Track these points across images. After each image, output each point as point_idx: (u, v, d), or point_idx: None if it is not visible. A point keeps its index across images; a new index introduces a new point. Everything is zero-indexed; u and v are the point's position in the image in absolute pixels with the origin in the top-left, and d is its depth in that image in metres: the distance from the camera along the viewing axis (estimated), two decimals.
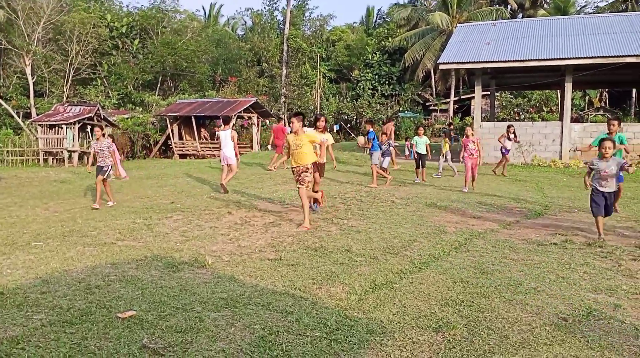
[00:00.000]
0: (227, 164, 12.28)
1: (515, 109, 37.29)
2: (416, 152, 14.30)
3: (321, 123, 9.64)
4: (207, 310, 4.29)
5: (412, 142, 15.24)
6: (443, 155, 16.28)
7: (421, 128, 15.03)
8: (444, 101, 40.71)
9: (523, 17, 41.05)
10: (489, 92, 26.22)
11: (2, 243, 6.87)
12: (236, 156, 12.33)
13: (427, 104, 42.44)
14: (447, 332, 3.89)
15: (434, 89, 42.87)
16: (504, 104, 37.66)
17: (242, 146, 30.21)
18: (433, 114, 41.91)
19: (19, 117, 31.86)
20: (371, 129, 13.83)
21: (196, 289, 4.84)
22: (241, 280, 5.20)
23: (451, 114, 37.08)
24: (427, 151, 14.45)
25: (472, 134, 12.48)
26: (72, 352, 3.45)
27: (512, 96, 38.33)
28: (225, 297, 4.61)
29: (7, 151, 25.26)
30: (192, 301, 4.48)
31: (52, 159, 26.05)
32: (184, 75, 43.28)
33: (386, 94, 41.72)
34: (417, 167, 14.35)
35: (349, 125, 40.18)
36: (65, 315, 4.12)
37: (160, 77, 42.89)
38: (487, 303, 4.48)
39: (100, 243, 6.78)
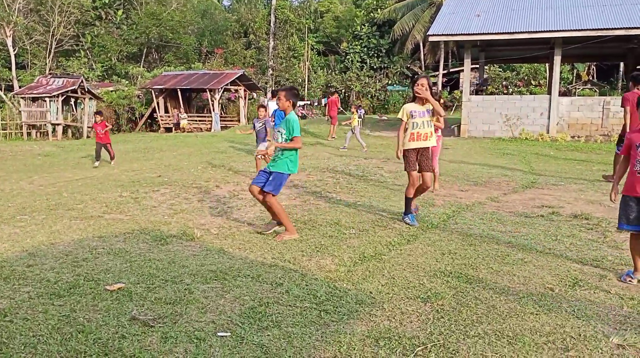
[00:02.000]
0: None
1: (504, 83, 37.29)
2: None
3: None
4: (196, 282, 4.28)
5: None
6: (352, 130, 16.26)
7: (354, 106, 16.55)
8: (432, 74, 40.54)
9: None
10: (478, 66, 26.13)
11: None
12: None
13: (416, 77, 42.28)
14: (436, 302, 3.92)
15: (422, 62, 42.62)
16: (493, 77, 37.62)
17: (228, 119, 29.98)
18: None
19: (1, 90, 31.21)
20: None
21: (185, 262, 4.82)
22: (230, 253, 5.19)
23: (440, 88, 36.96)
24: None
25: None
26: (60, 324, 3.43)
27: (500, 69, 38.25)
28: (215, 269, 4.60)
29: None
30: (181, 274, 4.46)
31: (36, 132, 25.66)
32: (169, 47, 42.52)
33: (375, 67, 41.42)
34: None
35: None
36: (52, 287, 4.09)
37: (145, 49, 42.09)
38: (475, 274, 4.52)
39: (86, 216, 6.71)
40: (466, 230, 6.04)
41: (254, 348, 3.18)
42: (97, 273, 4.46)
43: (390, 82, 40.28)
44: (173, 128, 27.96)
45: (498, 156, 14.22)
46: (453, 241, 5.59)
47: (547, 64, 30.82)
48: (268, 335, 3.37)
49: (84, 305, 3.75)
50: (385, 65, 41.61)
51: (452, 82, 40.76)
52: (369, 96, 38.41)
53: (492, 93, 33.62)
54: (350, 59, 41.77)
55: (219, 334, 3.36)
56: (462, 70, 25.89)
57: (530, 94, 32.76)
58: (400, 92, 38.35)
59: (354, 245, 5.42)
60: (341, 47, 44.40)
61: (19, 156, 15.48)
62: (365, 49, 41.81)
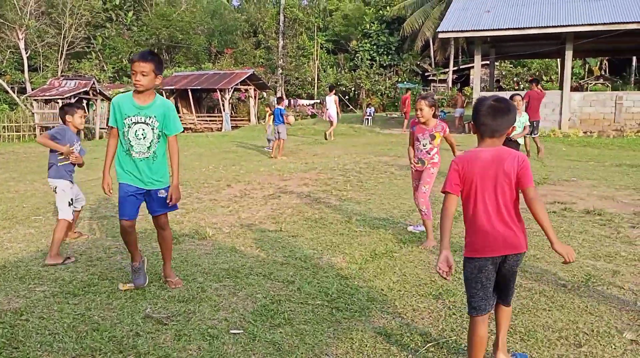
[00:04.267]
0: (330, 121, 17.12)
1: (515, 79, 37.02)
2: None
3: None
4: (209, 280, 4.32)
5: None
6: (268, 128, 16.03)
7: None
8: (442, 71, 40.35)
9: None
10: (488, 62, 25.97)
11: (2, 218, 6.87)
12: (338, 114, 17.62)
13: (426, 74, 42.07)
14: (448, 299, 3.92)
15: (432, 59, 42.43)
16: (504, 73, 37.37)
17: (239, 119, 30.08)
18: (432, 84, 41.59)
19: (14, 92, 31.58)
20: (278, 106, 14.22)
21: (197, 260, 4.86)
22: (242, 251, 5.23)
23: (450, 85, 36.82)
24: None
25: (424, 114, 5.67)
26: (75, 323, 3.48)
27: (511, 65, 38.00)
28: (227, 268, 4.63)
29: (3, 127, 25.12)
30: (194, 272, 4.50)
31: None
32: (179, 47, 42.75)
33: (384, 65, 41.31)
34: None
35: (347, 97, 39.91)
36: (67, 286, 4.15)
37: (156, 50, 42.34)
38: None
39: (100, 216, 6.78)
40: None
41: (267, 346, 3.21)
42: (111, 272, 4.52)
43: (400, 79, 40.18)
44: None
45: None
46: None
47: (558, 60, 30.54)
48: (280, 332, 3.39)
49: (98, 304, 3.80)
50: (395, 62, 41.49)
51: (463, 79, 40.54)
52: (379, 93, 38.35)
53: (501, 89, 33.42)
54: (360, 57, 41.71)
55: (232, 331, 3.39)
56: (473, 67, 25.76)
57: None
58: (410, 89, 38.18)
59: (365, 243, 5.43)
60: (350, 46, 44.32)
61: (32, 158, 15.65)
62: (374, 46, 41.72)
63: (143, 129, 3.91)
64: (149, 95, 3.91)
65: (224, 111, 27.98)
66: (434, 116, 5.55)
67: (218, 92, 28.10)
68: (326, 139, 17.70)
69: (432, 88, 40.71)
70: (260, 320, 3.57)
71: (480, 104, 2.78)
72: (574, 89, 22.80)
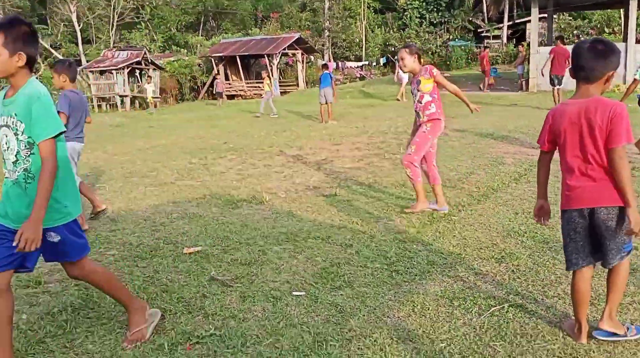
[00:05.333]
0: (400, 82, 17.49)
1: (575, 32, 35.07)
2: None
3: None
4: (269, 244, 4.40)
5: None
6: (265, 95, 16.91)
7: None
8: (496, 26, 38.68)
9: None
10: (546, 15, 24.63)
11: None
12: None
13: (479, 30, 40.44)
14: (511, 262, 3.84)
15: (485, 15, 40.69)
16: (562, 26, 35.44)
17: (287, 84, 30.03)
18: (485, 41, 40.01)
19: None
20: (325, 72, 14.16)
21: (257, 224, 4.95)
22: (299, 215, 5.28)
23: (505, 41, 35.31)
24: None
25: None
26: (145, 284, 3.63)
27: (571, 18, 35.96)
28: (285, 231, 4.70)
29: None
30: (254, 236, 4.59)
31: (106, 104, 26.74)
32: (225, 14, 42.76)
33: (435, 22, 39.91)
34: None
35: (396, 57, 39.02)
36: (135, 250, 4.32)
37: (203, 17, 42.56)
38: (552, 234, 4.37)
39: (160, 183, 7.00)
40: None
41: (329, 307, 3.25)
42: (175, 236, 4.67)
43: (451, 37, 38.79)
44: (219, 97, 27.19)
45: None
46: (526, 200, 5.42)
47: (621, 10, 28.61)
48: (341, 294, 3.43)
49: (165, 267, 3.95)
50: (446, 19, 39.99)
51: (518, 34, 38.75)
52: (429, 52, 37.24)
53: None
54: (409, 15, 40.42)
55: (294, 293, 3.45)
56: (529, 20, 24.52)
57: None
58: (462, 47, 36.86)
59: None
60: (398, 3, 42.99)
61: (91, 127, 16.22)
62: (424, 3, 40.27)
63: (6, 136, 2.56)
64: (17, 83, 2.54)
65: (272, 76, 27.97)
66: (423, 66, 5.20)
67: (266, 57, 28.05)
68: (398, 100, 17.83)
69: (485, 45, 39.18)
70: (321, 282, 3.62)
71: (579, 46, 2.67)
72: (639, 41, 21.37)
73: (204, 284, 3.61)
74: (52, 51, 32.83)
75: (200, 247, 4.33)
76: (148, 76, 25.33)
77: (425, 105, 5.07)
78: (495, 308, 3.17)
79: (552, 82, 13.36)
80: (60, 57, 32.32)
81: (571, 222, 2.71)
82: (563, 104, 2.74)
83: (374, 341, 2.84)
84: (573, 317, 2.90)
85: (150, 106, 23.32)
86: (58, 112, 3.64)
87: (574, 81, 2.71)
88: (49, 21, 39.00)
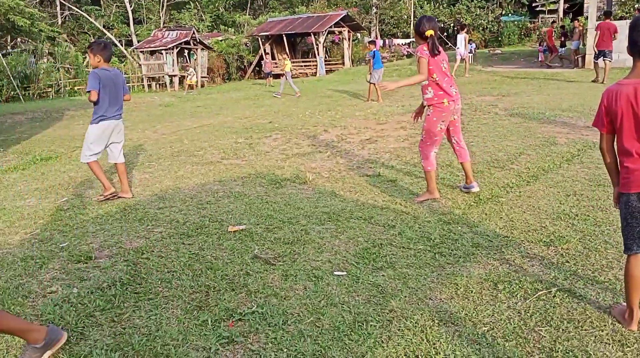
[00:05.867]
0: (462, 58, 17.07)
1: (636, 6, 33.06)
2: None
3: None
4: (311, 223, 4.41)
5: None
6: (285, 75, 17.11)
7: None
8: (552, 0, 36.94)
9: None
10: None
11: None
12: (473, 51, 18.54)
13: (534, 4, 38.75)
14: (560, 246, 3.71)
15: None
16: (623, 0, 33.48)
17: (332, 62, 29.82)
18: (540, 16, 38.34)
19: (122, 45, 33.46)
20: (373, 49, 13.80)
21: (299, 204, 4.97)
22: (342, 195, 5.27)
23: (561, 15, 33.72)
24: None
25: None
26: (191, 261, 3.72)
27: None
28: (328, 211, 4.70)
29: None
30: (297, 215, 4.62)
31: (155, 84, 27.36)
32: None
33: None
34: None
35: (445, 34, 38.02)
36: (181, 228, 4.43)
37: None
38: (605, 217, 4.20)
39: (206, 162, 7.12)
40: (593, 170, 5.58)
41: (370, 288, 3.24)
42: (220, 214, 4.75)
43: (504, 12, 37.35)
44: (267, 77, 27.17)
45: None
46: (579, 181, 5.20)
47: None
48: (383, 275, 3.41)
49: (210, 244, 4.03)
50: None
51: (576, 8, 36.91)
52: (480, 28, 36.05)
53: (622, 18, 30.12)
54: None
55: (336, 273, 3.45)
56: None
57: None
58: (516, 22, 35.48)
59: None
60: None
61: (142, 107, 16.68)
62: None
63: None
64: None
65: (318, 55, 27.82)
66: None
67: (312, 36, 27.89)
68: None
69: (540, 20, 37.61)
70: (362, 262, 3.61)
71: (636, 20, 2.60)
72: None
73: (247, 262, 3.67)
74: (105, 31, 33.77)
75: (244, 225, 4.39)
76: (185, 64, 25.72)
77: (422, 89, 4.86)
78: (541, 292, 3.08)
79: (596, 57, 13.61)
80: (113, 37, 33.26)
81: (629, 206, 2.60)
82: (618, 84, 2.59)
83: (415, 323, 2.82)
84: (623, 303, 2.78)
85: (186, 88, 23.44)
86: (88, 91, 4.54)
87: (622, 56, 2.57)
88: (102, 2, 40.10)
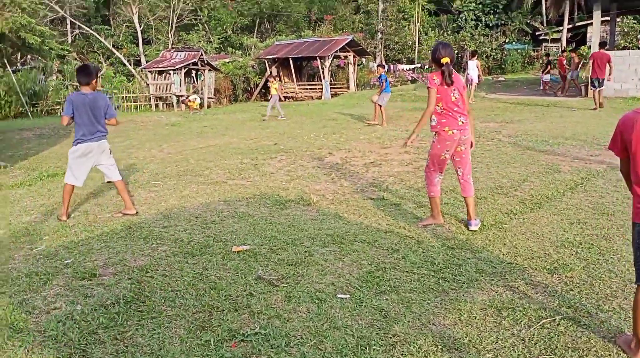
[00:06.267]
0: (470, 84, 17.15)
1: (639, 37, 33.45)
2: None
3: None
4: (315, 245, 4.43)
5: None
6: (271, 97, 17.41)
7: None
8: (555, 29, 37.39)
9: None
10: (608, 18, 23.61)
11: (125, 182, 7.47)
12: (479, 77, 18.47)
13: (537, 33, 39.22)
14: (564, 274, 3.71)
15: (544, 17, 39.41)
16: (626, 30, 33.87)
17: (338, 86, 30.08)
18: (543, 44, 38.76)
19: (130, 64, 33.86)
20: (383, 73, 14.18)
21: (304, 225, 4.99)
22: (346, 218, 5.28)
23: (564, 44, 34.07)
24: None
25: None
26: (195, 281, 3.73)
27: (635, 21, 34.31)
28: (332, 233, 4.71)
29: (122, 97, 27.10)
30: (300, 237, 4.63)
31: (162, 104, 27.59)
32: (280, 16, 43.32)
33: (490, 25, 38.98)
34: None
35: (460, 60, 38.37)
36: (186, 247, 4.45)
37: (258, 20, 43.27)
38: (608, 246, 4.20)
39: (212, 182, 7.16)
40: (597, 198, 5.60)
41: (373, 312, 3.24)
42: (225, 234, 4.77)
43: (507, 40, 37.82)
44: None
45: None
46: (582, 209, 5.22)
47: None
48: (386, 299, 3.41)
49: (214, 264, 4.04)
50: (503, 22, 39.04)
51: (579, 38, 37.34)
52: (484, 56, 36.42)
53: (625, 48, 30.41)
54: (464, 17, 39.69)
55: (339, 296, 3.46)
56: (591, 23, 23.55)
57: None
58: (519, 50, 35.87)
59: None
60: (454, 6, 42.30)
61: (149, 126, 16.81)
62: (480, 5, 39.46)
63: None
64: None
65: (323, 78, 28.09)
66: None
67: (318, 59, 28.20)
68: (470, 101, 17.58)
69: (543, 48, 38.01)
70: (366, 286, 3.61)
71: None
72: None
73: (251, 283, 3.67)
74: (114, 50, 34.19)
75: (248, 246, 4.41)
76: (193, 85, 25.74)
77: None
78: (546, 320, 3.07)
79: (592, 85, 14.45)
80: (122, 57, 33.70)
81: None
82: (635, 111, 2.60)
83: (419, 348, 2.82)
84: (629, 332, 2.78)
85: (189, 109, 23.35)
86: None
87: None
88: (111, 22, 40.73)
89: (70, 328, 3.08)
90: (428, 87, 4.68)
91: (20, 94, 22.03)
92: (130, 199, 5.72)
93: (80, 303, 3.42)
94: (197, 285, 3.66)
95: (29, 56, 29.48)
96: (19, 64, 29.61)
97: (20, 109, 22.29)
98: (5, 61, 22.42)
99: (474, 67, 18.05)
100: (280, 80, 29.74)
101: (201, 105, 24.06)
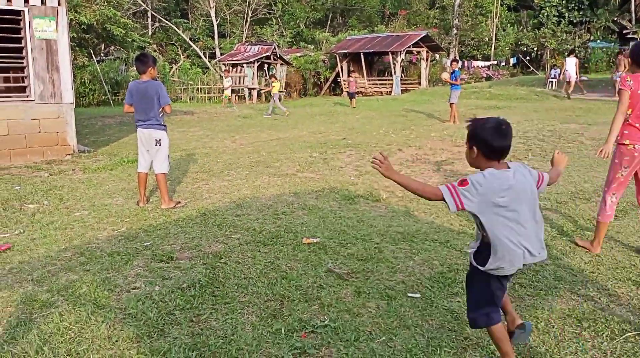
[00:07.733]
0: (569, 81, 18.00)
1: None
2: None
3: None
4: (385, 242, 4.39)
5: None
6: (272, 96, 17.72)
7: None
8: None
9: None
10: None
11: (200, 170, 7.73)
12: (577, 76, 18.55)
13: (624, 32, 36.87)
14: None
15: (633, 15, 36.97)
16: None
17: (408, 82, 29.67)
18: (630, 43, 36.39)
19: (206, 57, 34.97)
20: (456, 69, 13.66)
21: (373, 221, 4.96)
22: (416, 216, 5.21)
23: None
24: None
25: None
26: (266, 269, 3.80)
27: None
28: (402, 231, 4.66)
29: (197, 89, 28.04)
30: (370, 233, 4.61)
31: (235, 96, 28.31)
32: (353, 10, 43.22)
33: (574, 22, 37.05)
34: None
35: (527, 58, 36.92)
36: (258, 236, 4.54)
37: (330, 14, 43.39)
38: None
39: (282, 174, 7.27)
40: None
41: (444, 313, 3.18)
42: (295, 226, 4.83)
43: (592, 38, 35.82)
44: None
45: None
46: None
47: None
48: (458, 301, 3.33)
49: (285, 254, 4.10)
50: (588, 19, 37.01)
51: None
52: (566, 53, 34.72)
53: None
54: (546, 13, 37.95)
55: (409, 295, 3.41)
56: None
57: None
58: (604, 49, 33.90)
59: (551, 218, 5.04)
60: (535, 1, 40.56)
61: (222, 117, 17.29)
62: (564, 1, 37.60)
63: None
64: None
65: (394, 74, 27.79)
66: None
67: (390, 55, 27.92)
68: (569, 98, 17.74)
69: (630, 47, 35.52)
70: (437, 286, 3.55)
71: None
72: None
73: (321, 275, 3.70)
74: (191, 43, 35.43)
75: (318, 238, 4.44)
76: (225, 70, 24.47)
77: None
78: (630, 333, 2.89)
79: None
80: (198, 49, 34.85)
81: None
82: None
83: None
84: None
85: (225, 101, 22.40)
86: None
87: None
88: (189, 15, 42.21)
89: (149, 307, 3.23)
90: (620, 89, 4.00)
91: (104, 83, 23.31)
92: (167, 193, 5.71)
93: (159, 285, 3.57)
94: (268, 273, 3.73)
95: (112, 47, 31.05)
96: (102, 55, 31.30)
97: (103, 97, 23.62)
98: (91, 51, 23.77)
99: (572, 65, 18.06)
100: (350, 75, 29.70)
101: (235, 98, 21.89)
